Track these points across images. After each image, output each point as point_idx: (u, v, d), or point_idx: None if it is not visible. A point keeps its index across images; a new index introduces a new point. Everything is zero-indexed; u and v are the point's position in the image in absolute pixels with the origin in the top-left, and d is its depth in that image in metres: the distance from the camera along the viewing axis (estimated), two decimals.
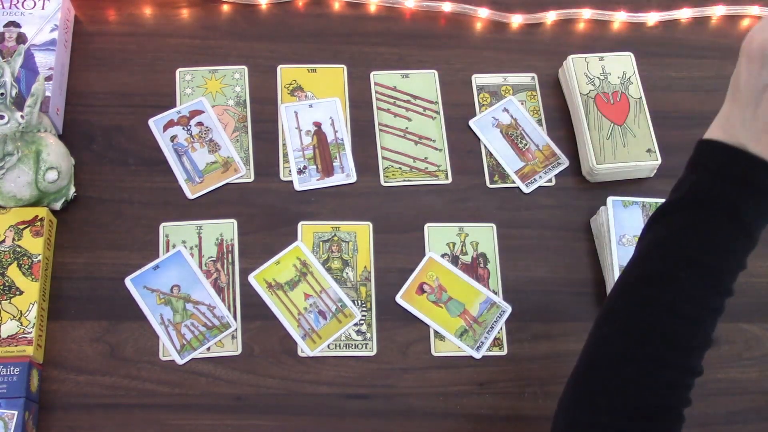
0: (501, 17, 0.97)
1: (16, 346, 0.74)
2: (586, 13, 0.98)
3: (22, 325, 0.75)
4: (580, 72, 0.91)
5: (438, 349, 0.80)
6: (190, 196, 0.85)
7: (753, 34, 0.56)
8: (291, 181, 0.86)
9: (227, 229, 0.84)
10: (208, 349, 0.78)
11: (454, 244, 0.85)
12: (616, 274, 0.80)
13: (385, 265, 0.83)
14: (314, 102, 0.90)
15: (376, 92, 0.92)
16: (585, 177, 0.89)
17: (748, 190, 0.57)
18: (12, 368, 0.72)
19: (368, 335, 0.80)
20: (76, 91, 0.89)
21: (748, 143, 0.56)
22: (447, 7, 0.97)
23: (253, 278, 0.82)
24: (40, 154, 0.78)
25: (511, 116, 0.92)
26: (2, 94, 0.79)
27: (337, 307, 0.81)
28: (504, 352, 0.80)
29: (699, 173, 0.60)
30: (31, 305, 0.76)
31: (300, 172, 0.87)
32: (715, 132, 0.59)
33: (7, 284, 0.77)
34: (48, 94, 0.84)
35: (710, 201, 0.58)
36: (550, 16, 0.98)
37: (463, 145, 0.90)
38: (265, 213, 0.85)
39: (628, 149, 0.86)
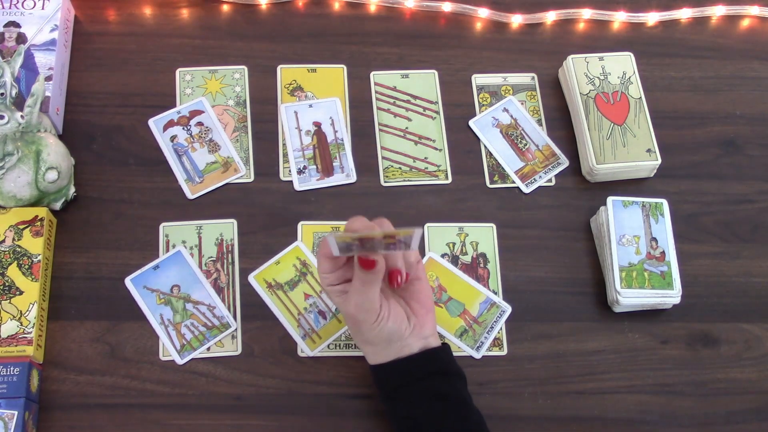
0: (501, 17, 0.97)
1: (16, 346, 0.74)
2: (586, 13, 0.98)
3: (22, 325, 0.75)
4: (580, 72, 0.91)
5: None
6: (190, 196, 0.85)
7: (348, 299, 0.67)
8: (291, 181, 0.86)
9: (227, 229, 0.84)
10: (208, 349, 0.78)
11: (454, 244, 0.85)
12: (617, 274, 0.81)
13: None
14: (314, 102, 0.90)
15: (376, 92, 0.92)
16: (585, 177, 0.89)
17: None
18: (12, 368, 0.73)
19: None
20: (76, 91, 0.89)
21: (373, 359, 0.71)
22: (447, 7, 0.97)
23: (253, 278, 0.82)
24: (40, 154, 0.78)
25: (511, 116, 0.92)
26: (2, 94, 0.79)
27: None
28: (504, 352, 0.80)
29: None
30: (31, 305, 0.76)
31: (300, 172, 0.87)
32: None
33: (7, 284, 0.77)
34: (48, 94, 0.84)
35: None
36: (550, 16, 0.98)
37: (463, 145, 0.90)
38: (265, 213, 0.85)
39: (628, 149, 0.86)
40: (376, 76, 0.93)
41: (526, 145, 0.90)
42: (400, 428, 0.70)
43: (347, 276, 0.68)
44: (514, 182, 0.88)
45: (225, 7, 0.96)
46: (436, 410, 0.68)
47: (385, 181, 0.87)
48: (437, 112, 0.91)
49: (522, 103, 0.93)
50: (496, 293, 0.83)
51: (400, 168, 0.88)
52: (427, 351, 0.70)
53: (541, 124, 0.92)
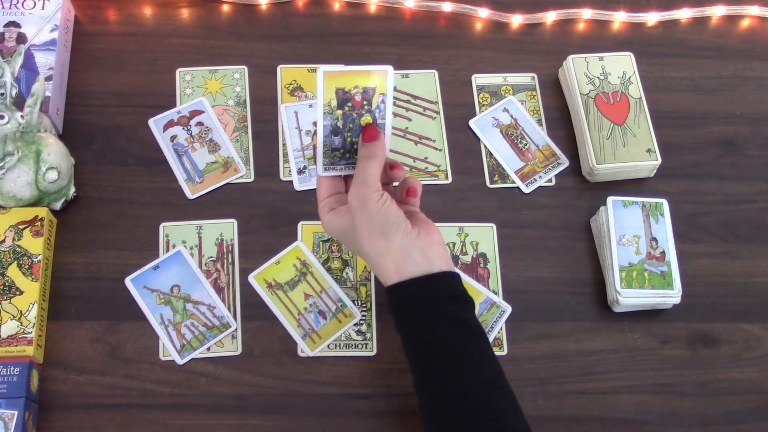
0: (501, 17, 0.97)
1: (16, 346, 0.74)
2: (586, 13, 0.98)
3: (22, 325, 0.75)
4: (580, 72, 0.91)
5: None
6: (190, 196, 0.85)
7: (351, 189, 0.68)
8: (291, 181, 0.86)
9: (227, 229, 0.84)
10: (208, 349, 0.78)
11: (454, 244, 0.85)
12: (617, 274, 0.81)
13: None
14: (314, 102, 0.90)
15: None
16: (585, 177, 0.89)
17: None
18: (12, 368, 0.73)
19: (368, 335, 0.80)
20: (76, 91, 0.89)
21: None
22: (447, 7, 0.97)
23: (253, 278, 0.82)
24: (40, 154, 0.78)
25: (511, 116, 0.92)
26: (2, 94, 0.79)
27: (337, 307, 0.81)
28: (504, 352, 0.80)
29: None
30: (31, 305, 0.76)
31: (300, 172, 0.87)
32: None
33: (7, 284, 0.77)
34: (48, 94, 0.84)
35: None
36: (550, 16, 0.98)
37: (463, 145, 0.90)
38: (265, 213, 0.85)
39: (628, 149, 0.86)
40: None
41: (526, 145, 0.90)
42: (420, 354, 0.66)
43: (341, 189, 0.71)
44: (514, 182, 0.88)
45: (225, 7, 0.96)
46: (459, 336, 0.66)
47: None
48: (437, 112, 0.91)
49: (522, 103, 0.93)
50: (496, 293, 0.83)
51: None
52: (445, 273, 0.67)
53: (541, 124, 0.92)
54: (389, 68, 0.68)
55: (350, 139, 0.70)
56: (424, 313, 0.66)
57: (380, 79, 0.68)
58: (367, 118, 0.69)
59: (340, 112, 0.68)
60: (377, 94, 0.68)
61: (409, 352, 0.67)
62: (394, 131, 0.90)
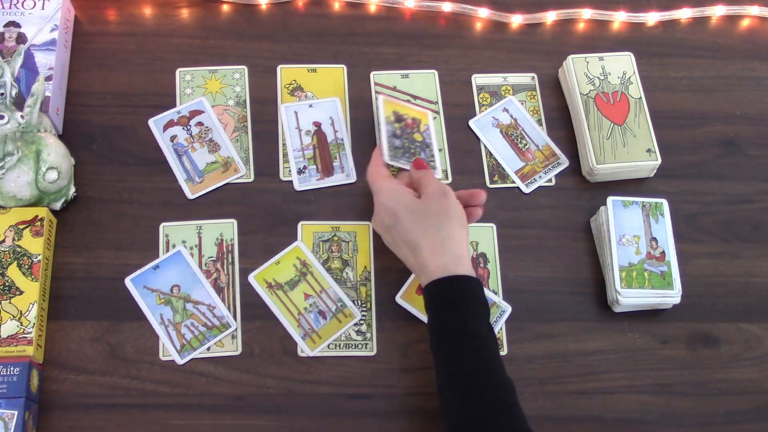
0: (501, 17, 0.97)
1: (16, 346, 0.74)
2: (586, 13, 0.98)
3: (22, 325, 0.75)
4: (580, 72, 0.91)
5: None
6: (190, 196, 0.85)
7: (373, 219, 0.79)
8: (291, 181, 0.86)
9: (227, 229, 0.84)
10: (208, 349, 0.78)
11: None
12: (617, 274, 0.81)
13: (385, 265, 0.83)
14: (314, 102, 0.90)
15: (376, 92, 0.92)
16: (585, 177, 0.89)
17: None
18: (12, 368, 0.73)
19: (368, 335, 0.80)
20: (76, 91, 0.89)
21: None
22: (447, 7, 0.97)
23: (253, 278, 0.82)
24: (40, 154, 0.78)
25: (511, 116, 0.92)
26: (2, 94, 0.79)
27: (337, 307, 0.81)
28: (504, 352, 0.80)
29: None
30: (31, 305, 0.76)
31: (300, 172, 0.87)
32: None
33: (7, 284, 0.77)
34: (48, 94, 0.84)
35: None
36: (550, 16, 0.98)
37: (463, 145, 0.90)
38: (265, 213, 0.85)
39: (628, 149, 0.86)
40: (376, 76, 0.93)
41: (526, 145, 0.90)
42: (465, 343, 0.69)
43: None
44: (514, 182, 0.88)
45: (225, 7, 0.96)
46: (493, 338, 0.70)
47: None
48: (437, 112, 0.91)
49: (522, 103, 0.93)
50: (496, 293, 0.83)
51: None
52: (476, 279, 0.72)
53: (541, 124, 0.92)
54: (429, 113, 0.89)
55: (407, 144, 0.84)
56: (475, 308, 0.70)
57: (423, 116, 0.88)
58: (418, 136, 0.85)
59: (398, 124, 0.85)
60: (422, 124, 0.87)
61: (449, 339, 0.70)
62: None
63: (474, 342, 0.68)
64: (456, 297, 0.70)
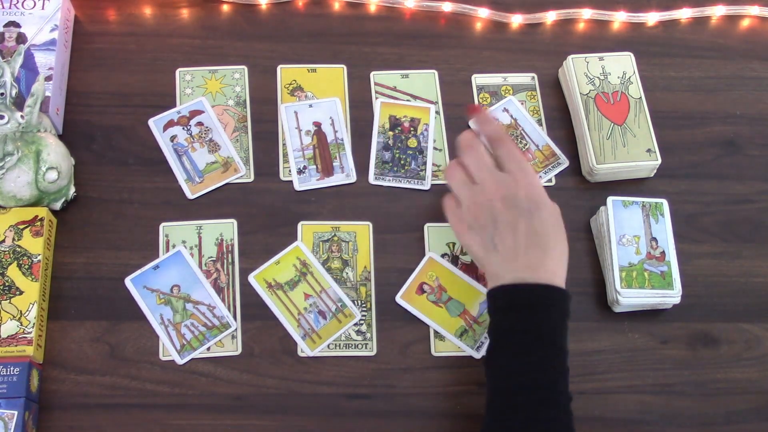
0: (501, 17, 0.97)
1: (16, 346, 0.74)
2: (586, 13, 0.98)
3: (22, 325, 0.75)
4: (580, 72, 0.91)
5: (438, 349, 0.80)
6: (190, 196, 0.85)
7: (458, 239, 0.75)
8: (291, 181, 0.86)
9: (227, 229, 0.84)
10: (208, 349, 0.78)
11: (454, 244, 0.85)
12: (617, 274, 0.81)
13: (385, 265, 0.83)
14: (314, 102, 0.90)
15: (376, 92, 0.92)
16: (585, 177, 0.89)
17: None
18: (12, 368, 0.73)
19: (368, 335, 0.80)
20: (76, 91, 0.89)
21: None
22: (447, 7, 0.97)
23: (253, 278, 0.82)
24: (40, 154, 0.78)
25: (511, 116, 0.92)
26: (2, 94, 0.79)
27: (337, 307, 0.81)
28: None
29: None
30: (31, 305, 0.76)
31: (300, 172, 0.87)
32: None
33: (7, 284, 0.77)
34: (48, 94, 0.84)
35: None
36: (550, 16, 0.98)
37: None
38: (265, 213, 0.85)
39: (628, 149, 0.86)
40: (376, 76, 0.93)
41: (526, 145, 0.90)
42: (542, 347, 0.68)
43: None
44: None
45: (225, 7, 0.96)
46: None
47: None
48: (437, 112, 0.91)
49: (522, 103, 0.93)
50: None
51: None
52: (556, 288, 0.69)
53: (541, 124, 0.92)
54: (431, 107, 0.89)
55: (398, 155, 0.86)
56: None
57: (424, 113, 0.88)
58: (412, 141, 0.86)
59: (391, 133, 0.86)
60: (421, 123, 0.87)
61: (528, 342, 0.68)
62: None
63: (559, 355, 0.68)
64: (564, 308, 0.69)
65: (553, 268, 0.70)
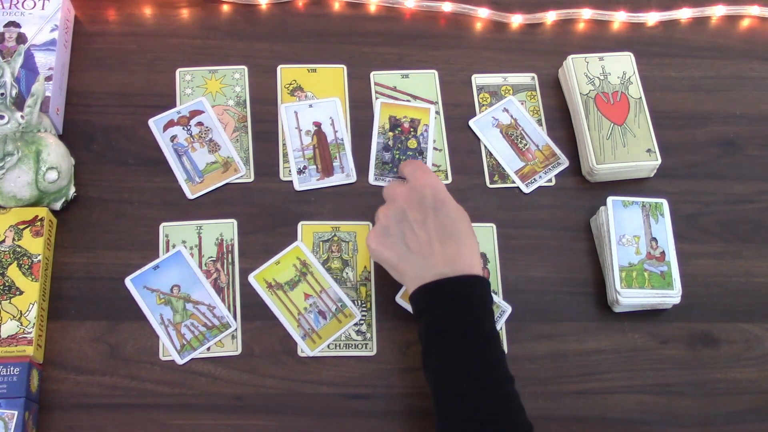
0: (501, 17, 0.97)
1: (16, 346, 0.74)
2: (586, 13, 0.98)
3: (22, 325, 0.75)
4: (580, 72, 0.91)
5: None
6: (190, 196, 0.85)
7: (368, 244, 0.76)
8: (291, 181, 0.86)
9: (227, 229, 0.84)
10: (208, 349, 0.78)
11: None
12: (617, 274, 0.81)
13: None
14: (314, 102, 0.90)
15: (376, 92, 0.92)
16: (585, 177, 0.89)
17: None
18: (12, 368, 0.73)
19: (368, 335, 0.80)
20: (76, 91, 0.89)
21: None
22: (447, 7, 0.97)
23: (253, 278, 0.82)
24: (40, 154, 0.78)
25: (511, 116, 0.92)
26: (2, 94, 0.79)
27: (337, 307, 0.81)
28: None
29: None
30: (31, 305, 0.76)
31: (300, 172, 0.87)
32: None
33: (7, 284, 0.77)
34: (48, 94, 0.84)
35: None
36: (550, 16, 0.98)
37: (463, 145, 0.90)
38: (265, 213, 0.85)
39: (628, 149, 0.86)
40: (376, 76, 0.93)
41: (526, 145, 0.90)
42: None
43: None
44: (514, 182, 0.88)
45: (225, 7, 0.96)
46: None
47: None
48: (437, 112, 0.91)
49: (522, 103, 0.93)
50: (496, 293, 0.83)
51: None
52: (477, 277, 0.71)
53: (541, 124, 0.92)
54: (431, 107, 0.90)
55: (398, 156, 0.86)
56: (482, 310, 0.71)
57: (424, 113, 0.89)
58: (412, 142, 0.86)
59: (391, 134, 0.87)
60: (422, 124, 0.88)
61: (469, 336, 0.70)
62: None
63: (490, 339, 0.69)
64: (483, 295, 0.71)
65: (468, 259, 0.71)
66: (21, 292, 0.77)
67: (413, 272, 0.72)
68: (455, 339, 0.68)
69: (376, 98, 0.91)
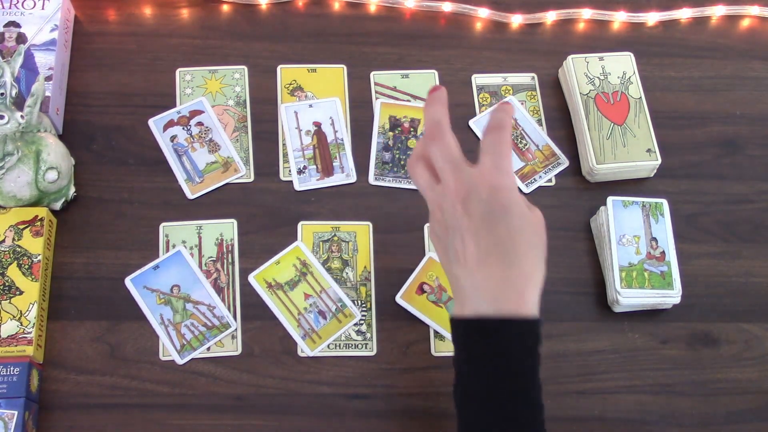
0: (501, 17, 0.97)
1: (16, 346, 0.74)
2: (586, 13, 0.98)
3: (22, 325, 0.75)
4: (580, 72, 0.91)
5: (438, 349, 0.80)
6: (190, 196, 0.85)
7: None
8: (291, 181, 0.86)
9: (227, 229, 0.84)
10: (208, 349, 0.78)
11: None
12: (617, 274, 0.81)
13: (385, 265, 0.83)
14: (314, 102, 0.90)
15: (376, 92, 0.92)
16: (585, 177, 0.89)
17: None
18: (12, 368, 0.73)
19: (368, 335, 0.80)
20: (76, 91, 0.89)
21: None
22: (447, 7, 0.97)
23: (253, 278, 0.82)
24: (40, 154, 0.78)
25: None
26: (2, 94, 0.79)
27: (337, 307, 0.81)
28: None
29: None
30: (31, 305, 0.76)
31: (300, 172, 0.87)
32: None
33: (7, 284, 0.77)
34: (48, 94, 0.84)
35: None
36: (550, 16, 0.98)
37: (463, 145, 0.89)
38: (265, 213, 0.85)
39: (628, 149, 0.86)
40: (376, 76, 0.93)
41: (526, 145, 0.90)
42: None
43: None
44: None
45: (225, 7, 0.96)
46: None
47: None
48: None
49: (522, 103, 0.93)
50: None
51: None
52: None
53: (541, 124, 0.92)
54: None
55: (397, 155, 0.86)
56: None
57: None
58: (412, 142, 0.86)
59: (391, 134, 0.86)
60: (422, 124, 0.87)
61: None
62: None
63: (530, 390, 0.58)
64: (529, 347, 0.57)
65: (518, 291, 0.57)
66: (21, 292, 0.77)
67: (454, 287, 0.60)
68: (490, 385, 0.57)
69: (376, 98, 0.91)
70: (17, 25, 0.88)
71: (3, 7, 0.89)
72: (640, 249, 0.82)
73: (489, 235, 0.57)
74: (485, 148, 0.60)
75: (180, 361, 0.78)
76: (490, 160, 0.59)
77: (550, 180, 0.89)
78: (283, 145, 0.88)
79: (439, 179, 0.61)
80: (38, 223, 0.79)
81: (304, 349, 0.79)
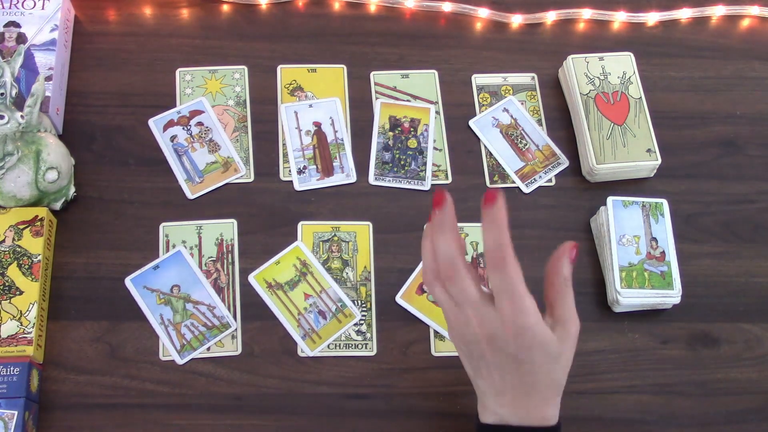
0: (501, 17, 0.97)
1: (16, 346, 0.74)
2: (586, 13, 0.98)
3: (22, 325, 0.75)
4: (580, 72, 0.91)
5: (438, 349, 0.80)
6: (190, 196, 0.85)
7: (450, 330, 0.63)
8: (291, 181, 0.86)
9: (227, 229, 0.84)
10: (208, 349, 0.78)
11: None
12: (617, 274, 0.81)
13: (385, 265, 0.83)
14: (314, 102, 0.90)
15: (376, 92, 0.92)
16: (585, 177, 0.89)
17: None
18: (12, 368, 0.73)
19: (368, 335, 0.80)
20: (76, 91, 0.89)
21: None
22: (447, 7, 0.97)
23: (253, 278, 0.82)
24: (40, 154, 0.78)
25: (511, 116, 0.92)
26: (2, 94, 0.79)
27: (337, 307, 0.81)
28: None
29: None
30: (31, 305, 0.76)
31: (300, 172, 0.87)
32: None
33: (7, 284, 0.77)
34: (48, 94, 0.84)
35: None
36: (550, 16, 0.98)
37: (463, 145, 0.90)
38: (265, 213, 0.85)
39: (628, 149, 0.86)
40: (376, 76, 0.93)
41: (526, 145, 0.90)
42: None
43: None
44: (514, 182, 0.88)
45: (225, 7, 0.96)
46: None
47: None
48: (437, 112, 0.91)
49: (522, 103, 0.93)
50: None
51: None
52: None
53: (541, 124, 0.92)
54: (431, 107, 0.90)
55: (397, 155, 0.86)
56: None
57: (424, 113, 0.89)
58: (412, 142, 0.86)
59: (391, 134, 0.87)
60: (422, 124, 0.88)
61: None
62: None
63: None
64: None
65: (540, 411, 0.62)
66: (21, 292, 0.77)
67: (478, 393, 0.64)
68: None
69: (376, 98, 0.91)
70: (17, 25, 0.88)
71: (3, 7, 0.89)
72: (640, 249, 0.82)
73: (514, 372, 0.60)
74: (498, 291, 0.59)
75: (180, 361, 0.78)
76: (508, 305, 0.59)
77: (550, 180, 0.89)
78: (283, 145, 0.88)
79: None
80: (38, 223, 0.79)
81: (304, 349, 0.79)
